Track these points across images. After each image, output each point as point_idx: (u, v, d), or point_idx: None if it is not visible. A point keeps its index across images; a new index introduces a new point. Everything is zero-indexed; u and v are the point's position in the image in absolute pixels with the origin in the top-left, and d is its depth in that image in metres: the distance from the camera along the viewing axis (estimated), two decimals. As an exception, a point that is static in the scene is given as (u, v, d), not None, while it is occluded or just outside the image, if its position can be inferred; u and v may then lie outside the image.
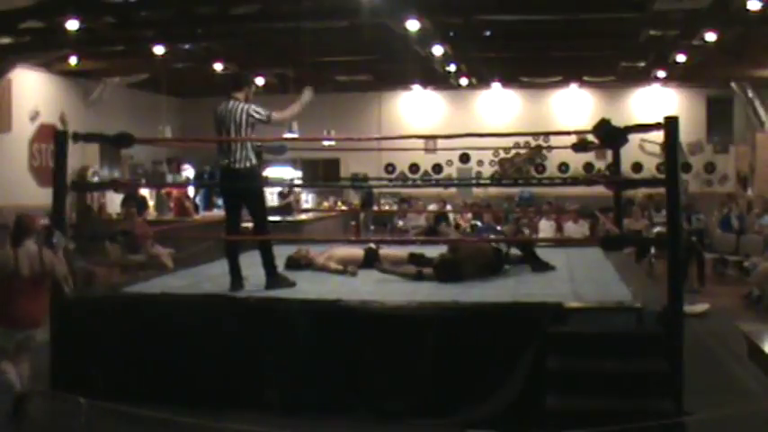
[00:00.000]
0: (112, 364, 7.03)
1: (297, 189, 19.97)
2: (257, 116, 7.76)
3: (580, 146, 10.70)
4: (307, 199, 22.07)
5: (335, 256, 9.17)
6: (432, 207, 19.10)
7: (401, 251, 9.38)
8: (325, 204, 21.04)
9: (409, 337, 6.59)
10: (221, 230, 8.16)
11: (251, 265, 8.10)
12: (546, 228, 18.04)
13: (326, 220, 18.19)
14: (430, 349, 6.54)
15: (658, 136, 6.81)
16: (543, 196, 21.52)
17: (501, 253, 8.83)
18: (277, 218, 15.17)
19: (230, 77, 8.23)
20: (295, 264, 9.18)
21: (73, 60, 16.43)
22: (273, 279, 7.76)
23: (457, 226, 17.57)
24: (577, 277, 8.38)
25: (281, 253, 10.12)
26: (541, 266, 8.99)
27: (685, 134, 18.17)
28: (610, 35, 15.59)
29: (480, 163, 23.30)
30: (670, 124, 6.33)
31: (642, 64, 18.67)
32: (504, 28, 15.40)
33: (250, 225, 8.98)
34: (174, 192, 18.07)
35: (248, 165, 7.75)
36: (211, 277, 7.98)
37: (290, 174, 22.89)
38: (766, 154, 19.92)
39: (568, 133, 11.61)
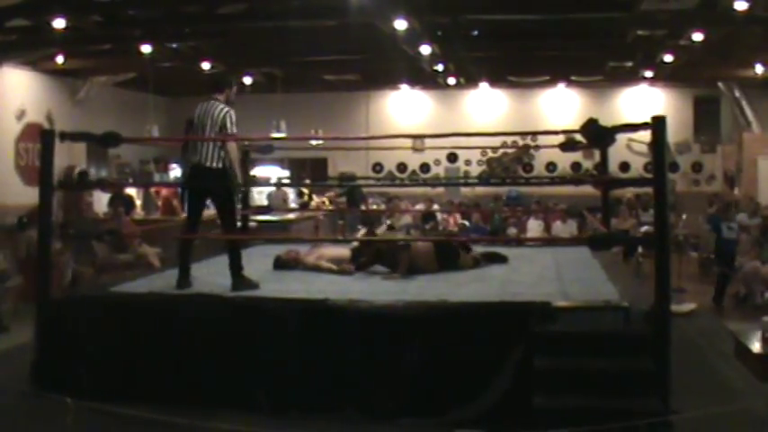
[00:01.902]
0: (99, 364, 7.00)
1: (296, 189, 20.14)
2: (228, 124, 7.72)
3: (568, 145, 10.71)
4: (294, 198, 22.05)
5: (326, 256, 9.15)
6: (419, 206, 19.11)
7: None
8: (313, 204, 21.01)
9: (397, 336, 6.58)
10: (207, 230, 8.13)
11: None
12: (534, 227, 18.08)
13: (313, 220, 18.18)
14: (418, 348, 6.53)
15: (646, 135, 6.80)
16: (531, 196, 21.57)
17: (452, 249, 9.12)
18: (266, 216, 15.21)
19: (212, 78, 8.22)
20: (284, 264, 9.16)
21: (60, 59, 16.38)
22: (239, 280, 7.72)
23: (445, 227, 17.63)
24: (565, 277, 8.39)
25: (271, 252, 10.14)
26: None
27: (673, 134, 18.32)
28: (597, 35, 15.63)
29: (468, 162, 23.34)
30: (657, 124, 6.34)
31: (630, 64, 18.72)
32: (492, 28, 15.42)
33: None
34: (164, 191, 18.05)
35: (220, 165, 7.72)
36: (198, 276, 7.95)
37: (278, 173, 22.87)
38: (753, 153, 20.04)
39: (556, 133, 11.54)
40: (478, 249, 9.78)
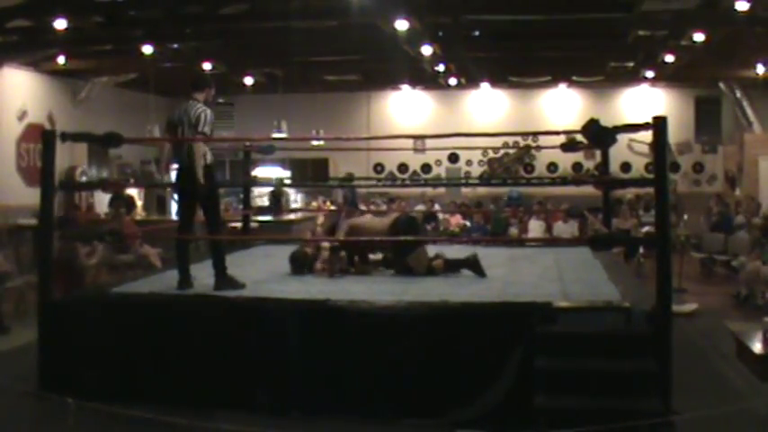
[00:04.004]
0: (101, 365, 7.01)
1: (285, 190, 19.98)
2: (201, 122, 7.66)
3: (569, 146, 10.72)
4: (296, 199, 22.06)
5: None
6: (419, 207, 19.10)
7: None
8: (314, 204, 21.03)
9: (398, 336, 6.58)
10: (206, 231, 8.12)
11: (236, 266, 8.13)
12: (535, 227, 18.08)
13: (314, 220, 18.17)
14: (418, 349, 6.54)
15: (647, 136, 6.83)
16: (532, 196, 21.56)
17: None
18: (267, 217, 15.19)
19: (191, 78, 8.22)
20: (300, 260, 9.01)
21: (61, 60, 16.38)
22: (222, 280, 7.70)
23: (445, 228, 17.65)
24: (566, 277, 8.38)
25: (272, 253, 10.13)
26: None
27: (674, 134, 18.29)
28: (598, 35, 15.62)
29: (469, 163, 23.33)
30: (658, 124, 6.34)
31: (631, 64, 18.72)
32: (493, 28, 15.41)
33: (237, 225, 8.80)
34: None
35: (202, 163, 7.69)
36: (199, 277, 7.96)
37: (279, 173, 22.86)
38: (754, 154, 20.03)
39: (557, 133, 11.59)
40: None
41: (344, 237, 8.89)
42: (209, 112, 7.76)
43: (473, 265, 8.55)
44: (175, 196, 8.51)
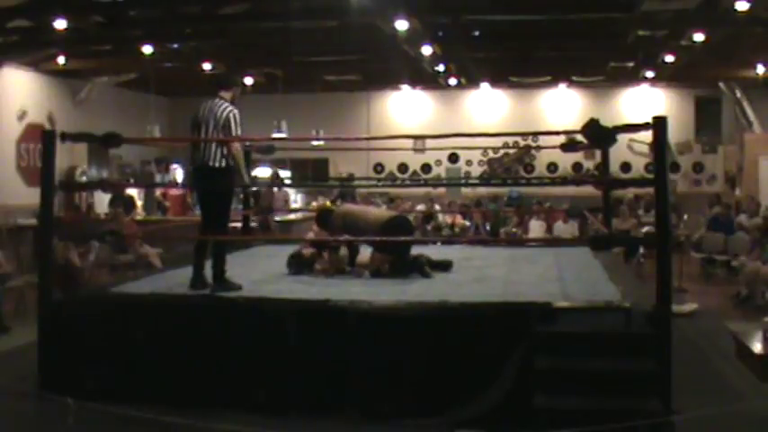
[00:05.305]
0: (101, 365, 7.00)
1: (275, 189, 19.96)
2: (233, 125, 7.58)
3: (569, 146, 10.71)
4: (296, 199, 22.05)
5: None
6: (420, 207, 19.11)
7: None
8: (314, 204, 21.02)
9: (398, 336, 6.58)
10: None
11: (236, 265, 8.13)
12: (535, 227, 18.08)
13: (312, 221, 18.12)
14: (418, 349, 6.54)
15: (647, 136, 6.83)
16: (532, 196, 21.56)
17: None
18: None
19: (218, 76, 8.15)
20: (299, 261, 9.02)
21: (61, 60, 16.39)
22: (220, 283, 7.59)
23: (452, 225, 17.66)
24: (566, 277, 8.38)
25: (272, 253, 10.13)
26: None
27: (674, 134, 18.31)
28: (598, 35, 15.61)
29: (469, 163, 23.32)
30: (658, 124, 6.34)
31: (631, 64, 18.71)
32: (493, 28, 15.41)
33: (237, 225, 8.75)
34: (171, 192, 18.03)
35: (224, 164, 7.61)
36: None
37: (279, 173, 22.85)
38: (754, 154, 20.02)
39: (557, 133, 11.63)
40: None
41: (340, 222, 8.89)
42: (236, 112, 7.64)
43: (420, 268, 8.56)
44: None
